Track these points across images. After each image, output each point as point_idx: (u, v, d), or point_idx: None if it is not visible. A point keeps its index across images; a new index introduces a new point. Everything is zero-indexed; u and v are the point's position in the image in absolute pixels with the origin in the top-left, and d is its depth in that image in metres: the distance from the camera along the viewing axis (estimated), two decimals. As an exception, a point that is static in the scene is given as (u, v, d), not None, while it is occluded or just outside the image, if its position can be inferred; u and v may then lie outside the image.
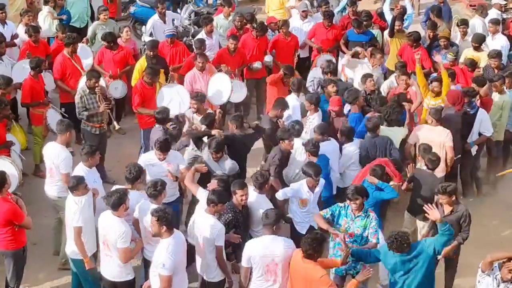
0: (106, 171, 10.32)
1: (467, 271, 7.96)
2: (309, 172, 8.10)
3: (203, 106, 9.89)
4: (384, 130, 9.33)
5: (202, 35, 12.29)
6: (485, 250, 7.26)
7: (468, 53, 11.73)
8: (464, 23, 12.62)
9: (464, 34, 12.46)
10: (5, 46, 11.35)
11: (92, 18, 13.94)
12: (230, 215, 7.50)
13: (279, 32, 12.69)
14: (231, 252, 7.50)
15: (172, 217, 7.34)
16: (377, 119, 9.25)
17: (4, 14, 12.26)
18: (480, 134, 9.95)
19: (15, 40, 12.06)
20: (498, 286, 6.71)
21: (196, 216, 7.56)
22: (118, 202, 7.09)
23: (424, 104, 10.17)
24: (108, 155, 10.51)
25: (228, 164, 8.55)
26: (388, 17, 12.69)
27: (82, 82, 10.33)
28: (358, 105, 9.89)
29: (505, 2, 14.09)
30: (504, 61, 11.71)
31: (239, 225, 7.61)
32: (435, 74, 11.00)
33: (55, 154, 8.40)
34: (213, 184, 7.86)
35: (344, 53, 12.48)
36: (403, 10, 12.89)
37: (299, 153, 9.02)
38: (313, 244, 6.59)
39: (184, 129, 9.44)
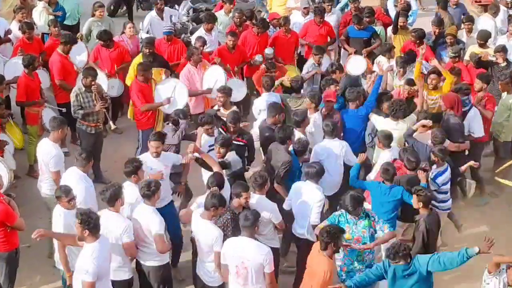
0: (102, 171, 10.26)
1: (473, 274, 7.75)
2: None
3: (229, 99, 9.77)
4: (388, 124, 9.19)
5: (201, 31, 12.17)
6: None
7: (473, 50, 11.61)
8: (469, 20, 12.52)
9: (469, 31, 12.36)
10: (1, 42, 11.26)
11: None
12: (228, 217, 7.36)
13: (280, 29, 12.54)
14: None
15: (166, 219, 7.37)
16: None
17: None
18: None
19: (9, 36, 11.90)
20: None
21: (193, 220, 7.42)
22: (114, 197, 7.07)
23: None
24: (104, 155, 10.42)
25: (231, 156, 8.42)
26: (392, 13, 12.59)
27: (79, 81, 10.21)
28: (358, 103, 9.72)
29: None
30: None
31: (238, 227, 7.37)
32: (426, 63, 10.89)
33: (46, 151, 8.41)
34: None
35: (345, 50, 12.40)
36: (407, 6, 12.78)
37: None
38: (327, 235, 6.71)
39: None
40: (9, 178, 8.54)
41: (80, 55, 11.45)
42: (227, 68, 11.20)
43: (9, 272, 7.61)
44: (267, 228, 7.66)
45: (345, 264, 7.48)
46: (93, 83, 9.80)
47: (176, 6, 14.52)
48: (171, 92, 10.20)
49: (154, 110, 10.17)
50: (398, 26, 12.19)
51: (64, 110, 10.58)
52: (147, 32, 12.68)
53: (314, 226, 7.66)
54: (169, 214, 8.01)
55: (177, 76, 11.15)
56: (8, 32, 11.96)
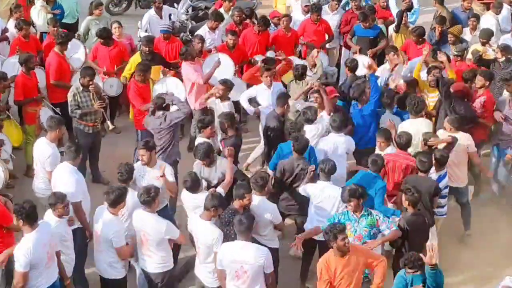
0: (100, 171, 10.28)
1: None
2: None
3: (228, 93, 9.79)
4: (408, 124, 9.14)
5: (204, 29, 12.12)
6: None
7: (476, 47, 11.58)
8: (474, 16, 12.47)
9: (474, 28, 12.28)
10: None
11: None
12: (230, 218, 7.31)
13: (280, 27, 12.44)
14: None
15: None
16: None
17: None
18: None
19: (7, 34, 11.87)
20: None
21: (193, 221, 7.39)
22: (118, 200, 7.09)
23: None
24: (102, 155, 10.38)
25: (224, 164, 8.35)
26: (394, 11, 12.49)
27: (76, 80, 10.15)
28: (364, 100, 9.74)
29: None
30: None
31: None
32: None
33: (42, 151, 8.40)
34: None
35: (347, 48, 12.36)
36: (411, 5, 12.71)
37: None
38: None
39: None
40: (4, 177, 8.54)
41: (77, 53, 11.39)
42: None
43: (6, 273, 7.54)
44: (267, 229, 7.64)
45: None
46: (91, 82, 9.72)
47: (175, 5, 14.45)
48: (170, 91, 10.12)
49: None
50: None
51: (57, 110, 10.49)
52: (146, 31, 12.60)
53: None
54: (165, 217, 7.83)
55: (177, 75, 11.12)
56: (4, 30, 11.93)
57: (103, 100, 9.91)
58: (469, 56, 11.44)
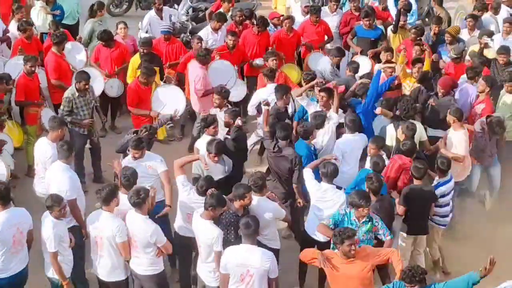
0: (102, 171, 10.32)
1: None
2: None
3: (225, 102, 9.83)
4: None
5: (207, 29, 12.17)
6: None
7: (474, 49, 11.58)
8: (472, 16, 12.48)
9: (472, 29, 12.30)
10: (1, 41, 11.34)
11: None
12: (232, 220, 7.35)
13: (281, 28, 12.50)
14: None
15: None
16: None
17: None
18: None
19: (8, 35, 11.94)
20: None
21: (193, 220, 7.37)
22: (110, 196, 7.08)
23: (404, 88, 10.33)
24: (103, 155, 10.37)
25: (228, 161, 8.44)
26: (393, 12, 12.55)
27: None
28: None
29: None
30: None
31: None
32: None
33: (43, 151, 8.41)
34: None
35: (347, 49, 12.40)
36: (409, 5, 12.76)
37: None
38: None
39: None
40: (7, 174, 8.61)
41: (79, 55, 11.44)
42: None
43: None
44: (268, 229, 7.63)
45: None
46: (86, 86, 9.72)
47: (176, 6, 14.51)
48: (170, 99, 10.21)
49: (140, 116, 10.20)
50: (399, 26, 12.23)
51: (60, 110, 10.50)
52: (146, 32, 12.67)
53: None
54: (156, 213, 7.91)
55: (180, 75, 11.21)
56: (5, 31, 11.97)
57: (93, 119, 9.99)
58: (468, 57, 11.50)
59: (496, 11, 13.02)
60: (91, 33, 12.38)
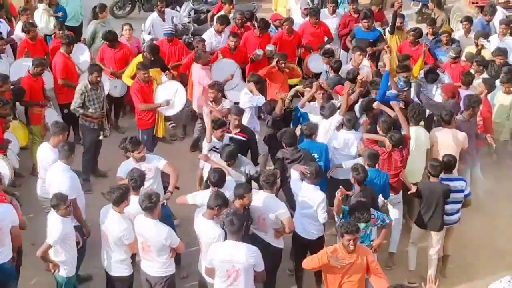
0: (105, 171, 10.44)
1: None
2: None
3: (220, 95, 9.91)
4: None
5: (210, 31, 12.31)
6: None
7: (470, 50, 11.73)
8: (467, 19, 12.60)
9: (468, 31, 12.42)
10: (5, 42, 11.39)
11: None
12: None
13: (282, 29, 12.60)
14: None
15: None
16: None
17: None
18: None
19: (13, 37, 12.05)
20: None
21: (196, 219, 7.44)
22: (120, 199, 7.11)
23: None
24: (106, 155, 10.49)
25: (246, 163, 8.48)
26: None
27: (84, 79, 10.29)
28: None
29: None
30: None
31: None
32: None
33: (45, 156, 8.45)
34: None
35: (347, 51, 12.52)
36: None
37: None
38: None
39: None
40: (10, 174, 8.65)
41: (82, 55, 11.56)
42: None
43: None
44: (273, 228, 7.64)
45: None
46: (98, 78, 9.88)
47: (178, 8, 14.63)
48: (172, 95, 10.29)
49: (152, 110, 10.25)
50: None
51: (66, 111, 10.67)
52: (149, 33, 12.79)
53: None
54: (163, 214, 7.87)
55: (180, 75, 11.31)
56: (10, 33, 12.08)
57: (104, 112, 10.13)
58: (463, 58, 11.54)
59: (491, 14, 13.06)
60: (94, 34, 12.51)
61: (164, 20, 12.91)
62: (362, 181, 7.85)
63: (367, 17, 12.27)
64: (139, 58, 11.18)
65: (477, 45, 11.67)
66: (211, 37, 12.15)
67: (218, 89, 9.89)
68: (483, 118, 9.88)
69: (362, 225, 7.40)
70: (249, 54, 11.92)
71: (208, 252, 6.92)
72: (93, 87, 9.87)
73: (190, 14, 14.45)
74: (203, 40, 11.61)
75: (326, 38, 12.76)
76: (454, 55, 11.11)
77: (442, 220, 8.34)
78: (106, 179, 10.36)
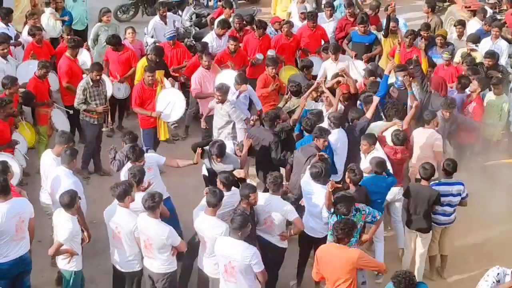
0: (108, 170, 10.42)
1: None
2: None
3: (227, 96, 10.03)
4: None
5: (212, 35, 12.49)
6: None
7: (463, 52, 11.88)
8: (460, 23, 12.75)
9: (461, 35, 12.58)
10: (13, 45, 11.55)
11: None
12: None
13: (281, 32, 12.81)
14: None
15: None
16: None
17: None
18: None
19: (20, 40, 12.21)
20: None
21: (198, 217, 7.50)
22: (124, 194, 7.25)
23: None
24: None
25: (232, 158, 8.72)
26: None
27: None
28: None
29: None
30: (508, 64, 11.93)
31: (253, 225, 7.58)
32: None
33: (47, 164, 8.45)
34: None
35: (343, 54, 12.51)
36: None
37: None
38: (344, 228, 6.86)
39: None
40: (20, 174, 8.81)
41: (81, 55, 11.66)
42: (233, 66, 11.50)
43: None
44: (280, 230, 7.75)
45: None
46: (98, 77, 10.15)
47: (179, 12, 14.79)
48: (170, 106, 10.45)
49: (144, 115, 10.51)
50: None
51: (71, 112, 10.85)
52: (152, 37, 12.98)
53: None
54: (169, 209, 8.07)
55: (185, 79, 11.56)
56: (17, 36, 12.25)
57: (107, 106, 10.48)
58: (456, 59, 11.76)
59: (482, 16, 13.28)
60: (96, 36, 12.72)
61: (166, 24, 13.09)
62: (358, 182, 8.03)
63: (364, 22, 12.44)
64: (143, 61, 11.37)
65: (468, 49, 11.85)
66: (212, 41, 12.35)
67: (225, 92, 9.99)
68: (475, 115, 10.18)
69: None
70: (249, 56, 12.12)
71: (215, 243, 7.09)
72: (94, 84, 10.16)
73: (191, 18, 14.58)
74: (203, 43, 11.83)
75: (322, 41, 12.92)
76: (449, 56, 11.28)
77: (428, 223, 8.36)
78: (111, 178, 10.35)
